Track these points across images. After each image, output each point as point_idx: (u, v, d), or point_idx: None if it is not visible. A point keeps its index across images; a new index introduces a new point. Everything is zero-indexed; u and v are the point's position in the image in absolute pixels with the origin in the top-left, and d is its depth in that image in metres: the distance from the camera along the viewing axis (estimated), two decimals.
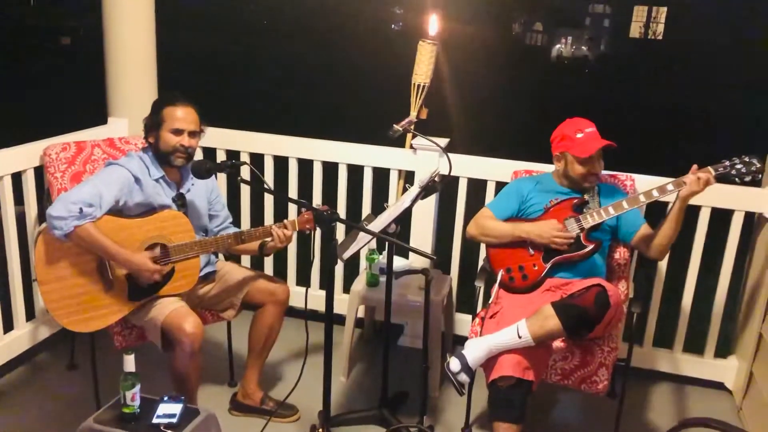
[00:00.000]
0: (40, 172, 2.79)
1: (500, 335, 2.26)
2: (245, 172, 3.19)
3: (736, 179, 2.38)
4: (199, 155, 3.17)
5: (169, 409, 2.03)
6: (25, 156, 2.77)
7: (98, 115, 3.34)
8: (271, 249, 2.56)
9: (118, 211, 2.36)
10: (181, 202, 2.51)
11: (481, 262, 2.91)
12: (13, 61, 16.36)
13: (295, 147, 3.31)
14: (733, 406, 2.96)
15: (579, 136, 2.53)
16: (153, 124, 2.44)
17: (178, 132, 2.43)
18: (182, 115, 2.44)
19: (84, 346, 2.71)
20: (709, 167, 2.37)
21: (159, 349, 2.41)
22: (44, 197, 2.72)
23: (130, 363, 1.99)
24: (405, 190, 2.94)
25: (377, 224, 2.34)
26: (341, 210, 3.30)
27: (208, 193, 2.63)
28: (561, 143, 2.57)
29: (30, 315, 2.92)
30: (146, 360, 2.40)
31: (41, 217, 2.77)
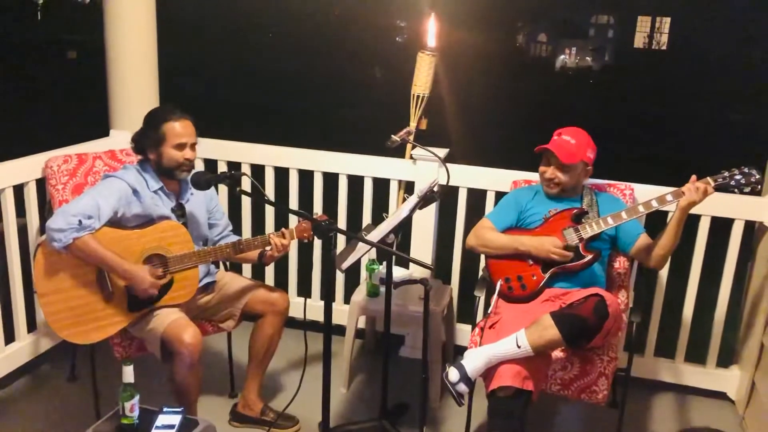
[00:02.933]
0: (42, 184, 2.81)
1: (499, 345, 2.25)
2: (245, 183, 3.21)
3: (735, 190, 2.38)
4: (200, 166, 3.19)
5: (168, 420, 2.03)
6: (26, 168, 2.79)
7: (101, 127, 3.37)
8: (270, 258, 2.56)
9: (116, 222, 2.37)
10: (180, 212, 2.52)
11: (481, 272, 2.91)
12: (20, 75, 16.49)
13: (295, 158, 3.33)
14: (735, 416, 2.94)
15: (555, 138, 2.59)
16: (153, 140, 2.44)
17: (181, 146, 2.44)
18: (183, 130, 2.45)
19: (85, 358, 2.71)
20: (708, 178, 2.37)
21: (159, 360, 2.42)
22: (45, 209, 2.73)
23: (128, 374, 1.99)
24: (405, 200, 2.95)
25: (375, 234, 2.35)
26: (342, 220, 3.31)
27: (207, 202, 2.64)
28: None
29: (31, 327, 2.93)
30: (146, 371, 2.41)
31: (43, 229, 2.79)
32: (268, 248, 2.54)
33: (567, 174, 2.57)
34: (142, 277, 2.34)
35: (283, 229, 2.53)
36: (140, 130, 2.49)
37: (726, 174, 2.38)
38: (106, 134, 3.31)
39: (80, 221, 2.23)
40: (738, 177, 2.37)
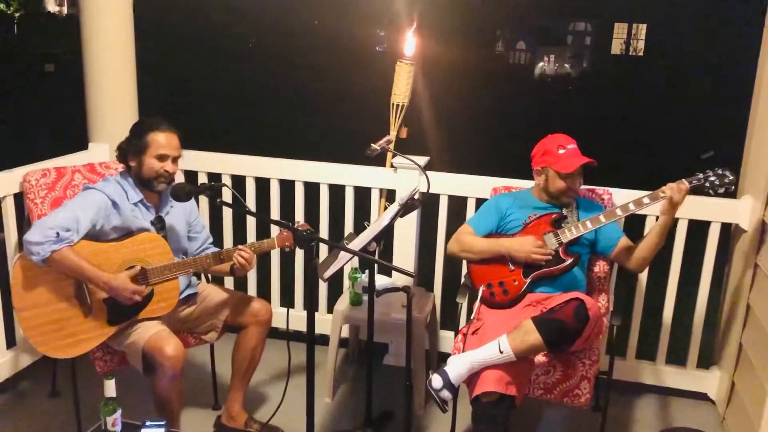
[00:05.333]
0: (20, 198, 2.78)
1: (482, 351, 2.27)
2: (226, 194, 3.20)
3: (710, 191, 2.42)
4: (180, 178, 3.18)
5: None
6: (4, 182, 2.77)
7: (80, 140, 3.35)
8: (239, 270, 2.54)
9: (95, 235, 2.36)
10: (160, 225, 2.51)
11: (463, 279, 2.92)
12: None
13: (276, 168, 3.33)
14: (716, 416, 2.98)
15: (561, 152, 2.57)
16: (135, 148, 2.44)
17: (162, 158, 2.44)
18: (167, 141, 2.45)
19: (65, 373, 2.68)
20: (683, 179, 2.41)
21: (140, 374, 2.40)
22: (24, 223, 2.71)
23: (110, 388, 1.98)
24: (386, 208, 2.96)
25: (357, 243, 2.36)
26: (323, 229, 3.32)
27: (186, 215, 2.63)
28: (542, 158, 2.61)
29: (11, 343, 2.90)
30: (128, 384, 2.39)
31: (21, 243, 2.77)
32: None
33: (582, 177, 2.61)
34: (124, 286, 2.32)
35: (239, 245, 2.51)
36: (126, 138, 2.49)
37: (700, 176, 2.42)
38: (85, 147, 3.29)
39: (58, 233, 2.21)
40: (712, 178, 2.41)
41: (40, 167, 2.74)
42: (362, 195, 3.29)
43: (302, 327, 2.25)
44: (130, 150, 2.45)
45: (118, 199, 2.41)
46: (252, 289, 3.46)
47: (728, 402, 2.90)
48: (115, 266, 2.36)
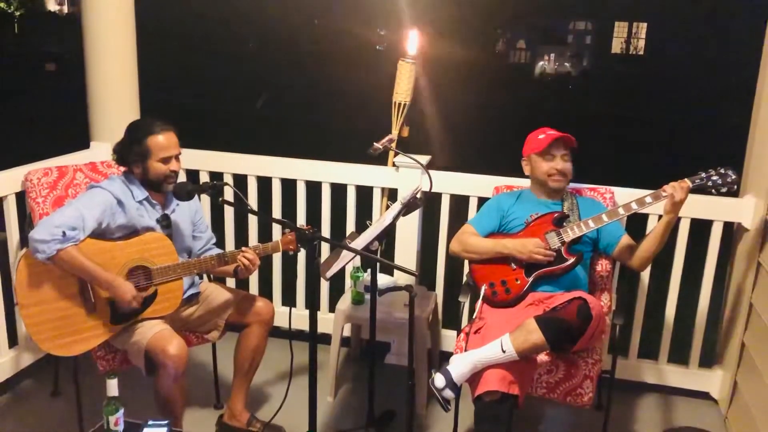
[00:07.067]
0: (22, 197, 2.78)
1: (484, 350, 2.26)
2: (228, 193, 3.20)
3: (713, 191, 2.42)
4: (181, 177, 3.18)
5: None
6: (6, 181, 2.77)
7: (82, 139, 3.35)
8: (242, 272, 2.54)
9: (100, 233, 2.36)
10: (165, 223, 2.51)
11: (465, 278, 2.92)
12: None
13: (278, 167, 3.33)
14: (719, 415, 2.97)
15: (541, 137, 2.62)
16: (137, 155, 2.42)
17: (167, 160, 2.43)
18: (168, 143, 2.44)
19: (68, 372, 2.68)
20: (686, 179, 2.41)
21: (143, 373, 2.40)
22: (26, 223, 2.71)
23: (112, 387, 1.98)
24: (388, 207, 2.95)
25: (359, 242, 2.36)
26: (325, 229, 3.32)
27: (192, 214, 2.63)
28: (526, 147, 2.67)
29: (12, 342, 2.90)
30: (131, 384, 2.39)
31: (23, 243, 2.76)
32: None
33: (570, 163, 2.62)
34: (125, 290, 2.32)
35: (243, 247, 2.51)
36: (123, 143, 2.47)
37: (703, 175, 2.42)
38: (87, 146, 3.29)
39: (64, 232, 2.21)
40: (715, 177, 2.41)
41: (41, 166, 2.74)
42: (364, 194, 3.29)
43: (304, 326, 2.25)
44: (132, 157, 2.44)
45: (124, 197, 2.41)
46: (254, 288, 3.46)
47: (731, 401, 2.90)
48: (120, 265, 2.36)
